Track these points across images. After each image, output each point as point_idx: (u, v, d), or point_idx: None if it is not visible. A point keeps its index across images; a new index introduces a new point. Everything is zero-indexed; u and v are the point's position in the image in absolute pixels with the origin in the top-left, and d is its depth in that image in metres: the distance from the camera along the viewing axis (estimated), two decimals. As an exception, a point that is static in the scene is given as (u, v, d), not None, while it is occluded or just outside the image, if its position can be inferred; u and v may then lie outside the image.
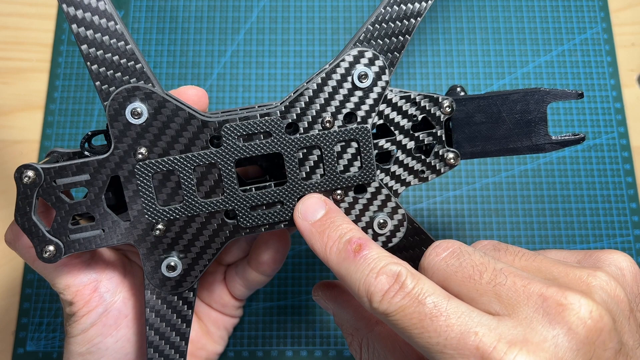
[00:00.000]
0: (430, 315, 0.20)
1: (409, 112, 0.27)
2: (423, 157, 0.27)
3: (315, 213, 0.25)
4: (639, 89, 0.45)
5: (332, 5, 0.47)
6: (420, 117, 0.27)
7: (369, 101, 0.26)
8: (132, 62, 0.25)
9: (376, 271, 0.22)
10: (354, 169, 0.26)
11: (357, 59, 0.26)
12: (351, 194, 0.27)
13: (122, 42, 0.24)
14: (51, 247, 0.25)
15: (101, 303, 0.28)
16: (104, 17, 0.24)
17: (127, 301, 0.29)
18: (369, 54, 0.26)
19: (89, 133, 0.27)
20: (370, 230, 0.27)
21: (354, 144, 0.26)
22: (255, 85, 0.45)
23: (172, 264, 0.26)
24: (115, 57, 0.24)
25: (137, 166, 0.25)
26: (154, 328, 0.27)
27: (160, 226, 0.26)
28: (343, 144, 0.26)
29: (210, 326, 0.34)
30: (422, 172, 0.27)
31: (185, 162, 0.25)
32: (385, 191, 0.27)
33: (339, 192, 0.26)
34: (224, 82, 0.45)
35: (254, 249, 0.31)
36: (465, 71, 0.45)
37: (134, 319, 0.29)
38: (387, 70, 0.26)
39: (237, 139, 0.25)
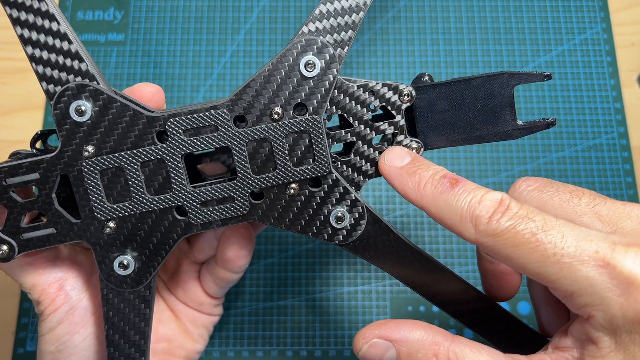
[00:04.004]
0: (543, 228, 0.20)
1: (368, 102, 0.26)
2: (385, 147, 0.26)
3: (402, 159, 0.25)
4: (639, 89, 0.45)
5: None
6: (379, 107, 0.26)
7: (319, 91, 0.25)
8: (77, 62, 0.25)
9: (478, 198, 0.22)
10: (307, 162, 0.26)
11: (304, 48, 0.25)
12: (306, 187, 0.26)
13: (66, 42, 0.25)
14: (4, 247, 0.25)
15: (67, 301, 0.28)
16: (46, 18, 0.25)
17: (94, 299, 0.29)
18: (316, 43, 0.25)
19: (39, 132, 0.27)
20: (327, 225, 0.26)
21: (306, 136, 0.25)
22: (255, 85, 0.45)
23: (125, 262, 0.26)
24: (60, 57, 0.25)
25: (84, 164, 0.25)
26: (113, 326, 0.27)
27: (111, 224, 0.26)
28: (294, 135, 0.25)
29: (189, 325, 0.34)
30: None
31: (131, 158, 0.25)
32: (342, 184, 0.26)
33: (293, 186, 0.26)
34: (224, 82, 0.45)
35: (218, 246, 0.30)
36: (466, 71, 0.45)
37: (103, 317, 0.29)
38: (336, 59, 0.25)
39: (183, 133, 0.25)
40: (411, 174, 0.24)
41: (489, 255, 0.26)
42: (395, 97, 0.26)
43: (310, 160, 0.26)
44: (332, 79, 0.25)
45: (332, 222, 0.26)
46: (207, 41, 0.46)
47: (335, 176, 0.26)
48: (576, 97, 0.44)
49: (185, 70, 0.45)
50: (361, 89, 0.26)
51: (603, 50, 0.46)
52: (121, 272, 0.26)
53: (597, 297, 0.19)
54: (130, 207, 0.25)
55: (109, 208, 0.25)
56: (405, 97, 0.26)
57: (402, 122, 0.26)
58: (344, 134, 0.26)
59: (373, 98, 0.26)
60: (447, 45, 0.46)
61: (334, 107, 0.26)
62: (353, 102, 0.26)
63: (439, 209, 0.23)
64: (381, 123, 0.26)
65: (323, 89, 0.25)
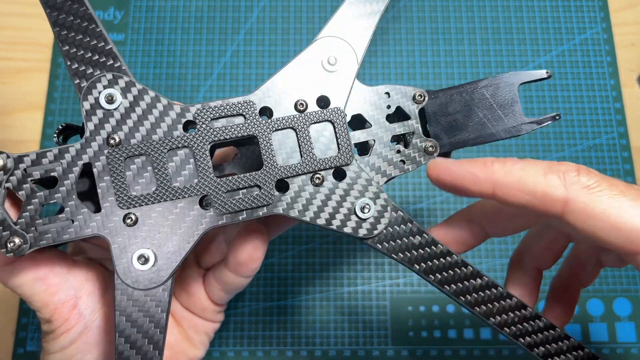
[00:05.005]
0: (629, 185, 0.21)
1: (382, 104, 0.27)
2: (401, 148, 0.27)
3: (452, 162, 0.25)
4: (639, 89, 0.45)
5: (332, 6, 0.47)
6: (394, 108, 0.27)
7: (340, 85, 0.26)
8: (112, 60, 0.25)
9: (555, 163, 0.22)
10: (331, 152, 0.26)
11: (325, 47, 0.27)
12: (330, 178, 0.26)
13: (102, 42, 0.25)
14: (17, 239, 0.24)
15: (81, 321, 0.26)
16: (85, 20, 0.25)
17: (108, 318, 0.28)
18: (336, 41, 0.27)
19: (63, 124, 0.26)
20: (353, 217, 0.26)
21: (329, 126, 0.26)
22: (255, 86, 0.45)
23: (145, 255, 0.24)
24: (95, 55, 0.25)
25: (109, 151, 0.24)
26: (125, 335, 0.24)
27: (133, 216, 0.24)
28: (318, 126, 0.26)
29: (190, 331, 0.33)
30: (402, 162, 0.27)
31: (158, 146, 0.25)
32: (365, 175, 0.26)
33: (318, 175, 0.26)
34: (224, 82, 0.45)
35: (231, 248, 0.30)
36: (466, 71, 0.45)
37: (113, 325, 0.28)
38: (355, 56, 0.27)
39: (211, 122, 0.25)
40: (471, 161, 0.24)
41: (570, 223, 0.22)
42: (407, 100, 0.27)
43: (335, 149, 0.26)
44: (352, 75, 0.26)
45: (358, 211, 0.26)
46: (207, 41, 0.46)
47: (359, 166, 0.26)
48: (576, 97, 0.44)
49: (185, 70, 0.45)
50: (375, 91, 0.27)
51: (603, 50, 0.46)
52: (140, 267, 0.24)
53: None
54: (155, 197, 0.25)
55: (133, 198, 0.24)
56: (419, 98, 0.27)
57: (417, 124, 0.27)
58: (359, 133, 0.27)
59: (387, 99, 0.27)
60: (447, 45, 0.46)
61: (351, 108, 0.27)
62: (367, 103, 0.27)
63: (516, 177, 0.22)
64: (396, 124, 0.27)
65: (344, 83, 0.26)
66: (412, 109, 0.27)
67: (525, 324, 0.26)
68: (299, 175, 0.26)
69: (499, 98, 0.27)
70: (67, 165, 0.24)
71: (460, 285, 0.26)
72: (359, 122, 0.27)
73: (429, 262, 0.26)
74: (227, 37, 0.46)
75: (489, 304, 0.26)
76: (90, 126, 0.25)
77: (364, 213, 0.26)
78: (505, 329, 0.26)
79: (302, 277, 0.41)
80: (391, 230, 0.26)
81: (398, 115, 0.27)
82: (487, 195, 0.24)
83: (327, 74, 0.26)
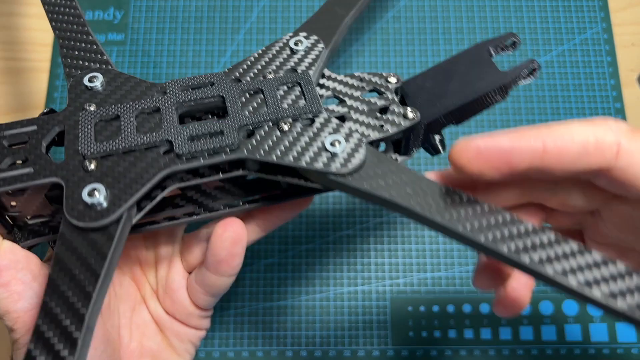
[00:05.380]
0: None
1: (358, 85, 0.27)
2: (379, 115, 0.26)
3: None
4: (639, 89, 0.45)
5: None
6: (368, 89, 0.27)
7: (308, 59, 0.27)
8: (99, 54, 0.28)
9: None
10: (299, 103, 0.26)
11: (293, 36, 0.28)
12: (298, 124, 0.25)
13: (90, 37, 0.29)
14: None
15: None
16: (76, 21, 0.29)
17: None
18: (303, 33, 0.28)
19: (48, 109, 0.27)
20: (324, 153, 0.24)
21: (297, 88, 0.26)
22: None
23: (97, 188, 0.23)
24: (86, 51, 0.28)
25: (82, 114, 0.25)
26: (53, 286, 0.22)
27: (92, 165, 0.24)
28: (286, 88, 0.26)
29: (174, 339, 0.32)
30: (382, 126, 0.26)
31: (128, 108, 0.25)
32: (335, 121, 0.25)
33: (284, 122, 0.25)
34: (224, 82, 0.45)
35: (209, 246, 0.28)
36: (465, 71, 0.45)
37: (103, 335, 0.27)
38: (321, 43, 0.28)
39: (181, 89, 0.26)
40: (500, 132, 0.21)
41: (621, 171, 0.21)
42: (382, 81, 0.27)
43: (302, 102, 0.26)
44: (318, 52, 0.28)
45: (328, 146, 0.24)
46: (207, 41, 0.46)
47: (329, 115, 0.25)
48: (576, 97, 0.44)
49: (185, 70, 0.45)
50: (349, 77, 0.27)
51: (603, 50, 0.46)
52: (88, 199, 0.23)
53: None
54: (115, 144, 0.24)
55: (94, 146, 0.24)
56: (393, 79, 0.28)
57: (393, 96, 0.27)
58: (335, 107, 0.26)
59: (362, 82, 0.27)
60: (447, 45, 0.46)
61: (324, 90, 0.27)
62: (342, 85, 0.27)
63: (564, 129, 0.21)
64: (373, 98, 0.27)
65: (311, 58, 0.27)
66: (388, 86, 0.27)
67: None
68: (265, 121, 0.25)
69: (473, 63, 0.27)
70: (41, 127, 0.25)
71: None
72: (335, 99, 0.27)
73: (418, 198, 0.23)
74: (227, 37, 0.46)
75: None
76: (70, 99, 0.26)
77: (334, 147, 0.24)
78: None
79: (302, 277, 0.41)
80: (367, 164, 0.24)
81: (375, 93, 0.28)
82: (534, 159, 0.21)
83: (294, 54, 0.28)
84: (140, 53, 0.45)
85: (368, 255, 0.41)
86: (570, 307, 0.39)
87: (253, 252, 0.41)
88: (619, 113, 0.44)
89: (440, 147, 0.28)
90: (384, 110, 0.27)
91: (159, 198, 0.24)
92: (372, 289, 0.40)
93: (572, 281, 0.19)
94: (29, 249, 0.27)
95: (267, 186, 0.28)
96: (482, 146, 0.21)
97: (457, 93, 0.26)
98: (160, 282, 0.32)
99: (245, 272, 0.41)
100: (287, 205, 0.30)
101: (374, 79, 0.27)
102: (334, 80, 0.27)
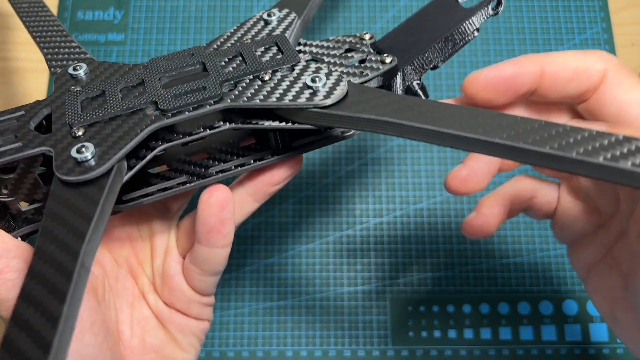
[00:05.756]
0: None
1: (334, 47, 0.28)
2: (358, 64, 0.27)
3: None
4: None
5: (332, 5, 0.47)
6: (345, 49, 0.28)
7: (281, 27, 0.29)
8: (79, 50, 0.30)
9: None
10: (276, 58, 0.27)
11: (265, 12, 0.30)
12: (278, 73, 0.26)
13: (70, 38, 0.31)
14: None
15: None
16: (51, 22, 0.32)
17: (90, 307, 0.26)
18: (275, 8, 0.30)
19: (37, 100, 0.28)
20: (306, 90, 0.25)
21: (274, 47, 0.27)
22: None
23: (86, 145, 0.23)
24: (65, 48, 0.30)
25: (67, 94, 0.26)
26: (40, 251, 0.21)
27: (80, 131, 0.24)
28: (263, 48, 0.27)
29: (176, 333, 0.31)
30: (361, 72, 0.27)
31: (112, 83, 0.26)
32: (315, 64, 0.26)
33: (266, 73, 0.26)
34: (224, 82, 0.45)
35: (197, 215, 0.28)
36: (466, 71, 0.45)
37: (101, 324, 0.27)
38: (293, 13, 0.29)
39: (162, 61, 0.27)
40: (503, 62, 0.25)
41: (604, 97, 0.25)
42: (357, 39, 0.29)
43: (280, 55, 0.27)
44: (291, 20, 0.29)
45: (309, 82, 0.25)
46: (207, 41, 0.46)
47: (306, 61, 0.26)
48: (576, 97, 0.44)
49: (185, 70, 0.45)
50: (324, 41, 0.29)
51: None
52: (77, 155, 0.23)
53: None
54: (101, 112, 0.25)
55: (81, 116, 0.25)
56: (366, 35, 0.29)
57: (369, 49, 0.28)
58: (313, 65, 0.27)
59: (337, 44, 0.29)
60: (447, 45, 0.46)
61: (302, 55, 0.28)
62: (319, 48, 0.28)
63: (555, 60, 0.24)
64: (350, 53, 0.28)
65: (285, 25, 0.29)
66: (363, 43, 0.28)
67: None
68: (246, 74, 0.26)
69: (440, 11, 0.28)
70: (29, 111, 0.26)
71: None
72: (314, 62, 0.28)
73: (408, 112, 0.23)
74: (227, 37, 0.46)
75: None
76: (57, 85, 0.27)
77: (315, 83, 0.25)
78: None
79: (302, 277, 0.41)
80: (353, 95, 0.24)
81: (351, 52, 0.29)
82: (534, 82, 0.25)
83: (268, 24, 0.29)
84: (140, 53, 0.45)
85: (368, 255, 0.41)
86: (570, 307, 0.40)
87: (253, 252, 0.41)
88: (619, 113, 0.44)
89: (421, 94, 0.28)
90: (362, 62, 0.28)
91: (149, 157, 0.25)
92: (372, 289, 0.40)
93: None
94: (23, 239, 0.26)
95: (257, 150, 0.28)
96: (490, 76, 0.25)
97: (429, 36, 0.28)
98: (157, 272, 0.31)
99: (246, 272, 0.41)
100: (275, 169, 0.29)
101: (349, 39, 0.29)
102: (310, 45, 0.28)
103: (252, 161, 0.28)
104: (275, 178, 0.29)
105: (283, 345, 0.39)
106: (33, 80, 0.45)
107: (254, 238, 0.41)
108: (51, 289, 0.20)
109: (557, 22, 0.46)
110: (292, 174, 0.29)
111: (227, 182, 0.28)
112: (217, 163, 0.28)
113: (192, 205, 0.32)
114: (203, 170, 0.28)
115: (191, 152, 0.28)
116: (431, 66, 0.28)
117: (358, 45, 0.28)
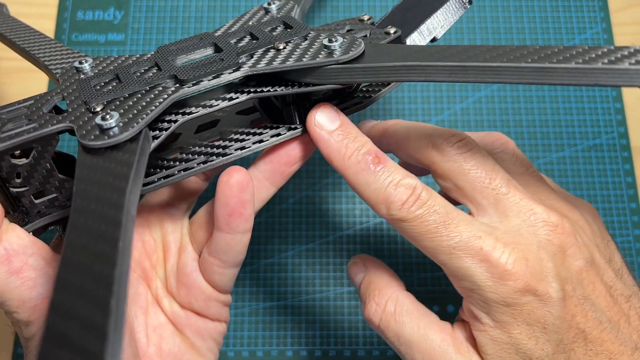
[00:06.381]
0: (443, 222, 0.24)
1: (335, 28, 0.29)
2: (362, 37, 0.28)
3: (331, 123, 0.26)
4: (639, 89, 0.45)
5: (332, 6, 0.47)
6: (346, 29, 0.29)
7: (283, 12, 0.30)
8: (72, 52, 0.30)
9: (395, 183, 0.25)
10: (287, 32, 0.27)
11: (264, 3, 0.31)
12: (291, 43, 0.26)
13: (59, 43, 0.31)
14: None
15: None
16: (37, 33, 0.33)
17: None
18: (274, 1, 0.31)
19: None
20: (323, 50, 0.25)
21: (282, 25, 0.28)
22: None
23: (110, 113, 0.22)
24: (62, 52, 0.30)
25: (79, 80, 0.26)
26: (77, 223, 0.19)
27: (99, 107, 0.24)
28: (270, 28, 0.28)
29: (195, 338, 0.30)
30: (370, 41, 0.27)
31: (125, 68, 0.26)
32: (327, 33, 0.27)
33: (280, 43, 0.26)
34: (224, 82, 0.45)
35: (216, 198, 0.27)
36: (465, 71, 0.45)
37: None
38: (292, 1, 0.30)
39: (172, 46, 0.27)
40: (338, 142, 0.26)
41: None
42: (356, 21, 0.30)
43: (290, 29, 0.27)
44: (290, 6, 0.30)
45: (326, 42, 0.25)
46: (207, 41, 0.46)
47: (316, 33, 0.27)
48: (576, 97, 0.45)
49: (185, 70, 0.45)
50: (325, 25, 0.30)
51: (603, 50, 0.46)
52: (102, 122, 0.22)
53: (476, 284, 0.24)
54: (119, 90, 0.24)
55: (99, 93, 0.24)
56: (365, 16, 0.30)
57: (370, 26, 0.29)
58: (327, 33, 0.28)
59: (338, 27, 0.29)
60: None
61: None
62: (322, 32, 0.28)
63: (358, 184, 0.25)
64: (354, 32, 0.29)
65: (284, 10, 0.30)
66: (364, 23, 0.30)
67: None
68: (260, 47, 0.26)
69: None
70: (38, 100, 0.25)
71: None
72: None
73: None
74: (227, 37, 0.46)
75: None
76: (64, 78, 0.27)
77: (332, 42, 0.25)
78: None
79: (302, 277, 0.41)
80: (370, 50, 0.25)
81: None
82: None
83: (269, 12, 0.30)
84: (140, 53, 0.45)
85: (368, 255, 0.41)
86: (570, 307, 0.40)
87: (253, 252, 0.41)
88: (619, 113, 0.44)
89: None
90: (365, 38, 0.28)
91: (172, 128, 0.25)
92: (372, 289, 0.40)
93: None
94: (36, 234, 0.25)
95: (272, 128, 0.29)
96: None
97: (425, 10, 0.29)
98: (171, 273, 0.30)
99: (246, 272, 0.41)
100: (291, 145, 0.29)
101: (348, 22, 0.30)
102: (314, 32, 0.29)
103: (269, 137, 0.28)
104: (291, 156, 0.29)
105: (283, 345, 0.39)
106: (33, 80, 0.45)
107: (254, 238, 0.41)
108: (99, 240, 0.18)
109: (557, 22, 0.46)
110: (309, 152, 0.29)
111: (244, 165, 0.28)
112: (233, 143, 0.28)
113: (196, 206, 0.32)
114: (221, 150, 0.28)
115: (205, 137, 0.28)
116: (431, 37, 0.29)
117: (359, 26, 0.29)
